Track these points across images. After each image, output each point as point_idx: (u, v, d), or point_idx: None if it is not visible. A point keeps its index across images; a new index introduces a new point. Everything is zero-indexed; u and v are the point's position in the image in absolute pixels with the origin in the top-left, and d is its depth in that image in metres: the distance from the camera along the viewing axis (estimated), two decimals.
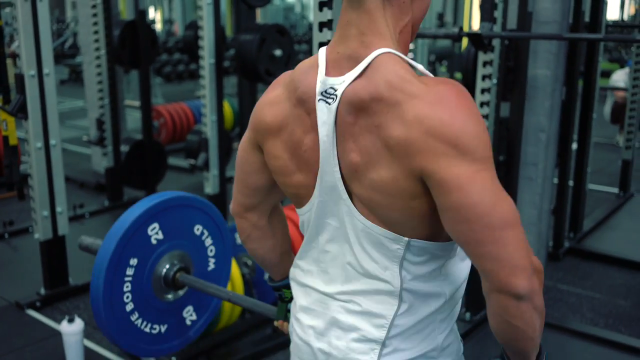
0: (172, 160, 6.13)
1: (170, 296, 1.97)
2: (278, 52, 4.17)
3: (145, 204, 1.89)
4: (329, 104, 1.05)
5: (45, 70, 3.32)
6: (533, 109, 3.56)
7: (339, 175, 1.08)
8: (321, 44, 2.07)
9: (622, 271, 4.01)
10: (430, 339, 1.13)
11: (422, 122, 0.97)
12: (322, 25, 2.07)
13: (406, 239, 1.07)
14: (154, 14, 14.04)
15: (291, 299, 1.40)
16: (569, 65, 3.84)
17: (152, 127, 5.37)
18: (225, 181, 4.31)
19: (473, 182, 0.97)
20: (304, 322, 1.23)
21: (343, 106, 1.04)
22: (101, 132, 4.95)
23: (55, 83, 3.41)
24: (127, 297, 1.85)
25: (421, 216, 1.05)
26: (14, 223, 4.58)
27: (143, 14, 5.00)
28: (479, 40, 2.89)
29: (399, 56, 1.04)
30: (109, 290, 1.82)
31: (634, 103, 5.20)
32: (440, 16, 11.21)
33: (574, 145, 4.34)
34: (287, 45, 4.26)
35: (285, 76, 1.18)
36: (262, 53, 4.14)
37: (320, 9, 2.04)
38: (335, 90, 1.04)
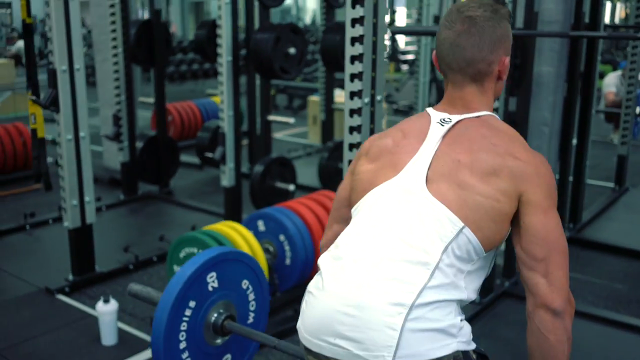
0: (182, 157, 6.30)
1: (218, 341, 2.14)
2: (292, 50, 4.35)
3: (208, 254, 2.07)
4: (443, 125, 1.42)
5: (76, 66, 3.49)
6: (537, 104, 3.77)
7: (427, 169, 1.37)
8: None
9: (619, 258, 4.23)
10: (451, 318, 1.29)
11: (535, 164, 1.36)
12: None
13: (462, 224, 1.29)
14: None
15: None
16: (570, 63, 4.06)
17: (166, 123, 5.53)
18: (240, 175, 4.48)
19: (553, 215, 1.35)
20: (330, 288, 1.33)
21: (461, 127, 1.41)
22: (118, 127, 5.12)
23: (84, 78, 3.59)
24: (182, 336, 2.01)
25: (497, 211, 1.31)
26: (35, 215, 4.74)
27: (158, 13, 5.18)
28: None
29: (500, 119, 1.47)
30: (169, 327, 1.98)
31: (629, 101, 5.42)
32: (437, 18, 11.42)
33: (574, 141, 4.55)
34: (301, 44, 4.45)
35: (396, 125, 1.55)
36: (277, 51, 4.32)
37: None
38: (450, 120, 1.43)
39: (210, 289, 2.05)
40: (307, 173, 5.72)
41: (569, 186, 4.55)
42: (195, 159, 6.26)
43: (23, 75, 4.91)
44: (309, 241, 3.51)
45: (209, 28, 5.12)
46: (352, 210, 1.44)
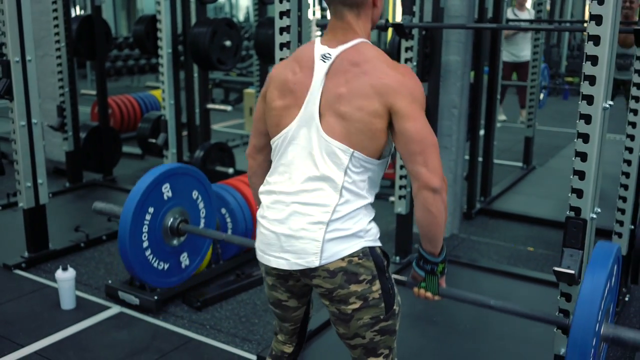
0: (123, 148, 6.55)
1: (174, 242, 2.54)
2: (228, 43, 4.74)
3: (162, 168, 2.47)
4: (325, 62, 1.74)
5: (28, 57, 3.77)
6: (446, 88, 4.30)
7: (318, 104, 1.73)
8: (281, 44, 2.70)
9: (523, 225, 4.82)
10: (359, 224, 1.75)
11: (397, 78, 1.69)
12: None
13: (352, 150, 1.72)
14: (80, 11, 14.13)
15: None
16: (475, 53, 4.60)
17: (108, 114, 5.80)
18: (182, 160, 4.83)
19: (420, 117, 1.69)
20: (270, 216, 1.79)
21: (337, 61, 1.72)
22: (62, 118, 5.37)
23: (35, 69, 3.87)
24: (144, 237, 2.40)
25: (372, 131, 1.70)
26: None
27: (99, 9, 5.46)
28: (401, 30, 3.56)
29: (373, 45, 1.78)
30: (133, 229, 2.36)
31: (533, 88, 6.05)
32: None
33: (482, 122, 5.12)
34: (236, 37, 4.84)
35: (293, 53, 1.89)
36: (214, 44, 4.69)
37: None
38: (330, 55, 1.74)
39: (165, 197, 2.45)
40: (244, 160, 6.07)
41: (479, 164, 5.11)
42: (136, 149, 6.53)
43: None
44: (249, 213, 3.92)
45: (147, 23, 5.42)
46: (272, 144, 1.85)
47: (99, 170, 5.79)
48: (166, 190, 2.46)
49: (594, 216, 2.17)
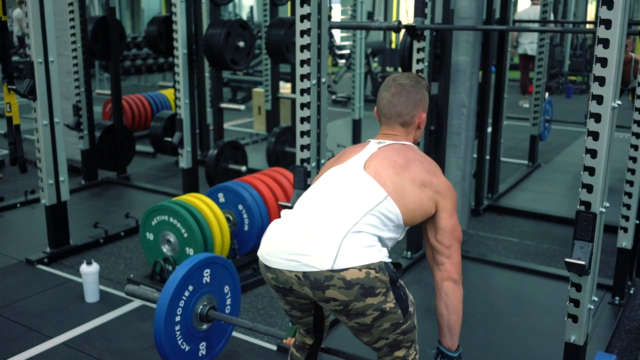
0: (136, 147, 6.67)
1: (203, 327, 2.69)
2: (241, 44, 4.85)
3: (207, 254, 2.67)
4: (379, 144, 2.07)
5: (51, 58, 3.89)
6: (456, 88, 4.41)
7: (364, 159, 1.99)
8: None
9: (529, 221, 4.93)
10: (375, 243, 1.86)
11: (446, 184, 2.02)
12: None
13: (385, 193, 1.89)
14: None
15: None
16: (483, 53, 4.71)
17: (122, 114, 5.92)
18: (197, 157, 4.94)
19: (455, 217, 2.01)
20: (290, 225, 1.89)
21: (390, 146, 2.05)
22: (78, 117, 5.49)
23: (58, 69, 3.98)
24: (179, 312, 2.56)
25: (420, 205, 1.94)
26: (3, 199, 5.08)
27: (113, 10, 5.57)
28: (413, 31, 3.67)
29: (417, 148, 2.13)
30: (172, 302, 2.52)
31: (538, 87, 6.16)
32: (370, 14, 12.08)
33: (490, 120, 5.23)
34: (249, 38, 4.95)
35: None
36: (228, 44, 4.81)
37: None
38: (385, 142, 2.07)
39: (204, 282, 2.63)
40: (255, 158, 6.23)
41: (486, 162, 5.22)
42: (148, 148, 6.65)
43: None
44: (264, 209, 4.03)
45: (160, 24, 5.52)
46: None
47: (113, 168, 5.91)
48: (206, 275, 2.65)
49: (603, 210, 2.28)
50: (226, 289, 2.78)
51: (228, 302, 2.80)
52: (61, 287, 3.75)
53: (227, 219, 3.93)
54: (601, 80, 2.17)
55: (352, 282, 1.75)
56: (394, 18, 11.86)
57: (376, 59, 11.46)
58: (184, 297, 2.55)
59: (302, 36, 2.79)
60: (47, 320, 3.35)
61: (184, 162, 4.86)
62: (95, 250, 4.30)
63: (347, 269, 1.75)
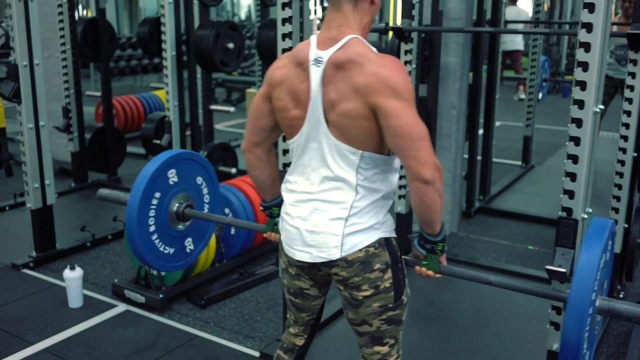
0: (127, 148, 6.63)
1: (180, 227, 2.60)
2: (231, 45, 4.81)
3: (167, 154, 2.52)
4: (318, 66, 1.78)
5: (36, 61, 3.85)
6: (445, 90, 4.37)
7: (322, 110, 1.80)
8: (284, 50, 2.76)
9: (521, 223, 4.89)
10: (375, 217, 1.85)
11: (376, 75, 1.71)
12: (285, 36, 2.77)
13: (360, 151, 1.80)
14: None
15: (278, 214, 2.13)
16: (474, 54, 4.68)
17: (112, 115, 5.88)
18: None
19: (403, 112, 1.70)
20: (293, 214, 1.92)
21: (328, 66, 1.76)
22: (68, 119, 5.46)
23: (43, 72, 3.95)
24: (151, 221, 2.46)
25: (370, 133, 1.77)
26: None
27: (103, 12, 5.54)
28: (400, 33, 3.64)
29: (362, 40, 1.80)
30: (140, 214, 2.41)
31: (531, 87, 6.13)
32: None
33: (481, 121, 5.19)
34: (239, 39, 4.91)
35: (288, 52, 1.92)
36: (217, 46, 4.77)
37: (283, 24, 2.75)
38: (322, 59, 1.77)
39: (171, 182, 2.51)
40: None
41: (478, 164, 5.19)
42: (139, 149, 6.61)
43: None
44: (251, 213, 4.00)
45: (151, 25, 5.49)
46: (289, 146, 1.93)
47: (103, 171, 5.88)
48: (172, 176, 2.51)
49: (585, 216, 2.25)
50: (199, 180, 2.65)
51: (205, 191, 2.69)
52: (45, 292, 3.72)
53: None
54: (582, 85, 2.13)
55: (353, 261, 1.85)
56: (390, 18, 11.82)
57: None
58: (152, 206, 2.44)
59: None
60: (30, 326, 3.32)
61: None
62: (82, 254, 4.26)
63: (349, 254, 1.84)
